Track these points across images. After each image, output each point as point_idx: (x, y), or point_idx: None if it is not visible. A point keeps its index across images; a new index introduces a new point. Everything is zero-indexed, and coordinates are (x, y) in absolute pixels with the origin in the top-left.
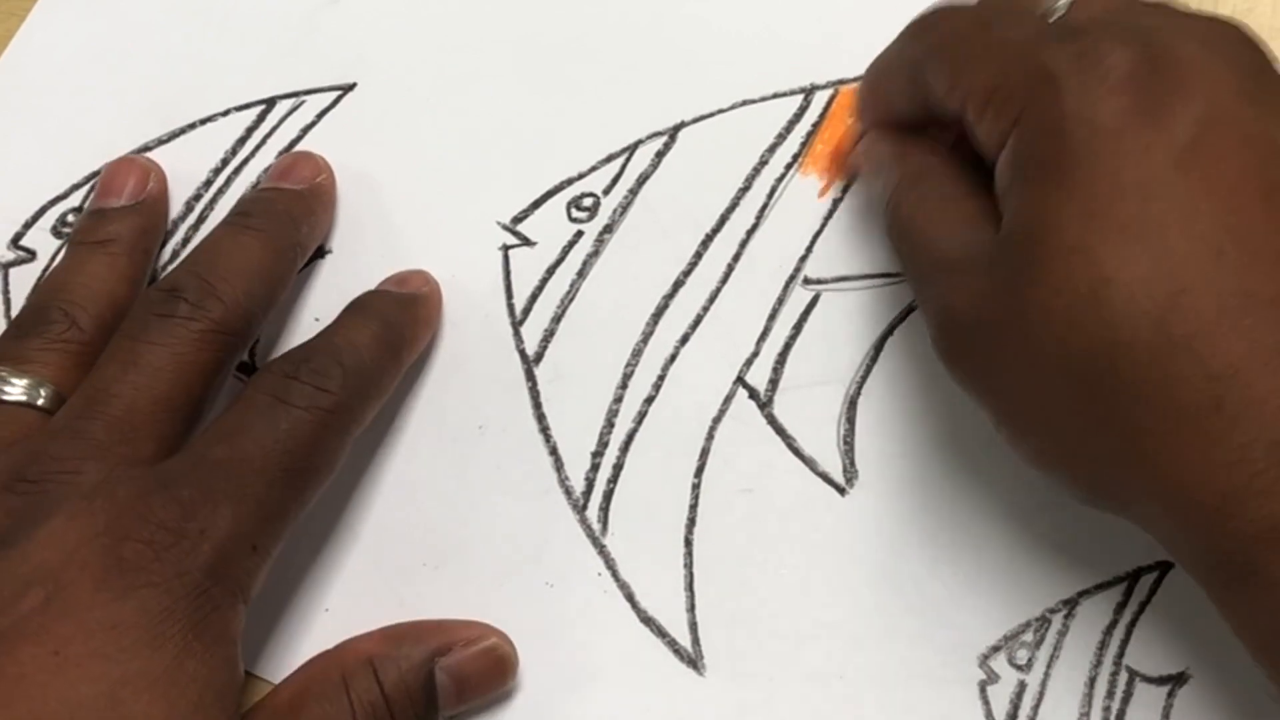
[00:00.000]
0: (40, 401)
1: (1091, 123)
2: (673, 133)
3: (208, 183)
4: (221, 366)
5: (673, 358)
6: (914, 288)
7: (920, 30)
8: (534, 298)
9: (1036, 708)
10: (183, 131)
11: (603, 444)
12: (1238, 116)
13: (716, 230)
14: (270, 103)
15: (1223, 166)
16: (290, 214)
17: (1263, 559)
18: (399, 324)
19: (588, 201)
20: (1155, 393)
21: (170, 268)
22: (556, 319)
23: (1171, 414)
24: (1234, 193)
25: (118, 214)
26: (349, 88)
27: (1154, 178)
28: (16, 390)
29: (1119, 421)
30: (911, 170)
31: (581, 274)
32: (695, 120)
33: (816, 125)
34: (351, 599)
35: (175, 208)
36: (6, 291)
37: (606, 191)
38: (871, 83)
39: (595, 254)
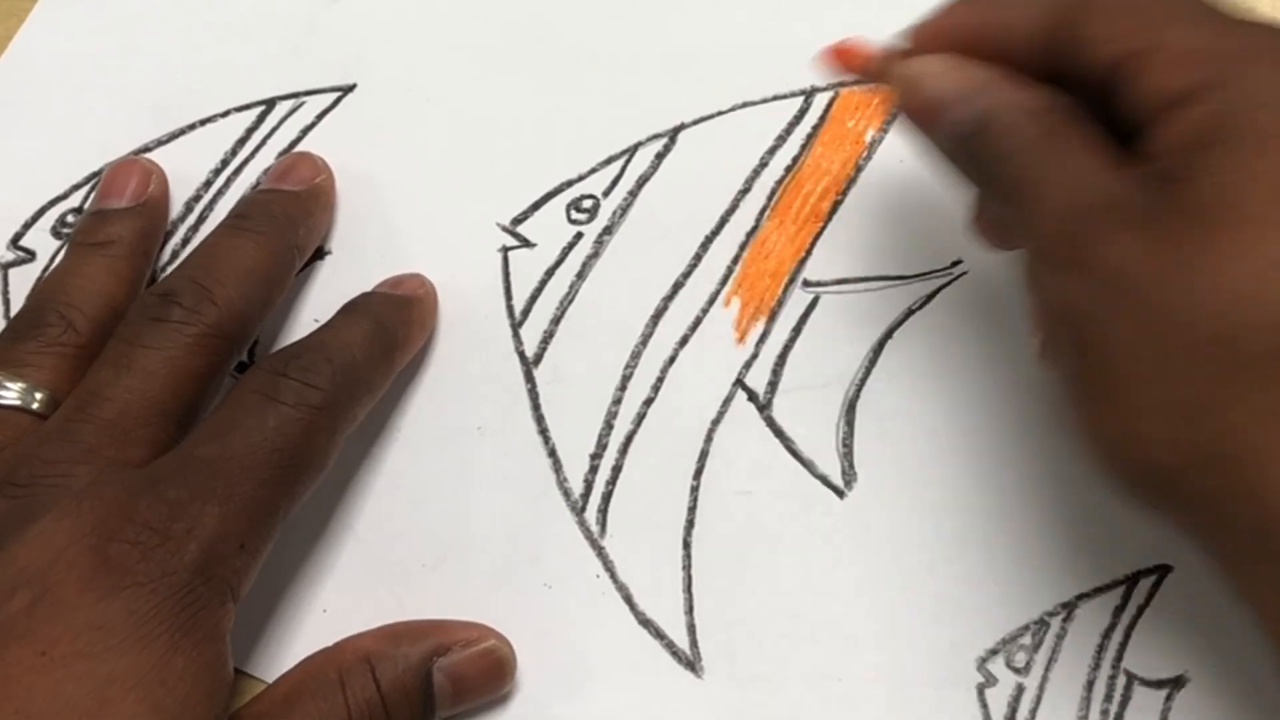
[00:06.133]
0: (35, 406)
1: None
2: (673, 134)
3: (207, 184)
4: (216, 370)
5: (672, 360)
6: (1028, 237)
7: None
8: (533, 299)
9: (1034, 711)
10: (183, 132)
11: (601, 445)
12: None
13: (716, 232)
14: (270, 103)
15: None
16: (288, 215)
17: None
18: (392, 324)
19: (587, 203)
20: None
21: (169, 269)
22: (556, 321)
23: None
24: None
25: (118, 215)
26: (349, 88)
27: None
28: (11, 395)
29: (1249, 406)
30: (1028, 99)
31: (581, 276)
32: (695, 122)
33: (816, 128)
34: (349, 599)
35: (175, 208)
36: (6, 292)
37: (606, 193)
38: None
39: (595, 256)
